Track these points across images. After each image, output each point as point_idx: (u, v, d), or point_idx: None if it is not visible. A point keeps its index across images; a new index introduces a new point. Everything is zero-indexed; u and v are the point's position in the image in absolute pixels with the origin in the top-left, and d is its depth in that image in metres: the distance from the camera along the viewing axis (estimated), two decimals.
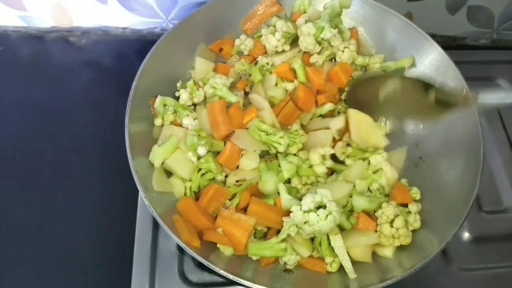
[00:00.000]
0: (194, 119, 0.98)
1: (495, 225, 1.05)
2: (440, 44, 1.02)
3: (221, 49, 1.10)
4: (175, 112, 0.99)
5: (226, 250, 0.88)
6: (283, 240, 0.87)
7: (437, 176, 0.97)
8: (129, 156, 0.85)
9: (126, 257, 0.95)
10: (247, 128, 0.97)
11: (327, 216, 0.82)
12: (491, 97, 0.85)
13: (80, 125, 1.15)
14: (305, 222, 0.83)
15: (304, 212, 0.83)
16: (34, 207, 1.04)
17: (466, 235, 1.03)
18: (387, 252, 0.91)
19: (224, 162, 0.95)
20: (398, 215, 0.91)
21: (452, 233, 0.84)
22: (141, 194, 0.83)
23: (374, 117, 0.97)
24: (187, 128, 0.97)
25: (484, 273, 0.99)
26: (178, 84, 1.03)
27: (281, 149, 0.95)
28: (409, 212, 0.93)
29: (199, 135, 0.94)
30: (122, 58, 1.26)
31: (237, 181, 0.94)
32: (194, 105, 1.03)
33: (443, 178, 0.95)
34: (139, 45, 1.28)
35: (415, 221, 0.92)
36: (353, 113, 0.95)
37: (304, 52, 1.09)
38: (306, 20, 1.04)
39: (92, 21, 1.28)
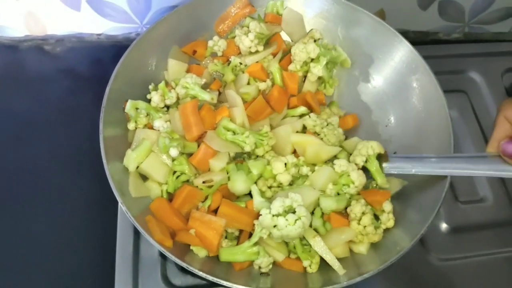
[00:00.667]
0: (166, 121, 0.97)
1: (472, 214, 1.06)
2: (413, 40, 1.04)
3: (194, 51, 1.10)
4: (148, 115, 0.99)
5: (200, 252, 0.88)
6: (256, 244, 0.87)
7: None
8: (104, 162, 0.85)
9: (108, 264, 0.95)
10: None
11: (295, 221, 0.82)
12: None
13: (57, 133, 1.15)
14: (274, 226, 0.83)
15: (273, 215, 0.83)
16: (13, 217, 1.03)
17: (443, 225, 1.05)
18: (361, 248, 0.91)
19: (197, 164, 0.95)
20: (365, 213, 0.91)
21: (425, 227, 0.84)
22: (119, 201, 0.83)
23: None
24: (159, 130, 0.97)
25: (462, 262, 1.01)
26: (150, 87, 1.03)
27: (247, 148, 0.95)
28: (383, 211, 0.93)
29: (171, 137, 0.94)
30: (98, 65, 1.26)
31: (204, 182, 0.94)
32: (167, 107, 1.03)
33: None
34: (115, 50, 1.25)
35: (388, 220, 0.92)
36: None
37: (282, 57, 1.11)
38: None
39: (66, 29, 1.27)
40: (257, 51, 1.08)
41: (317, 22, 1.12)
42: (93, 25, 1.26)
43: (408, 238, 0.85)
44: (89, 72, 1.25)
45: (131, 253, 0.95)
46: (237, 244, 0.91)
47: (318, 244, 0.87)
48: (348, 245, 0.92)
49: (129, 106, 0.96)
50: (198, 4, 1.08)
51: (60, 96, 1.20)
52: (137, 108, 0.97)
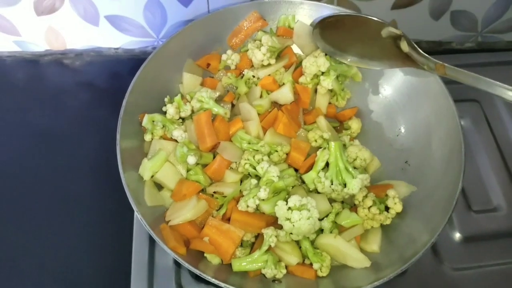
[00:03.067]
0: (184, 131, 1.00)
1: (485, 224, 1.06)
2: (427, 50, 1.04)
3: (208, 65, 1.12)
4: (164, 126, 1.01)
5: (213, 259, 0.90)
6: (267, 251, 0.89)
7: (423, 177, 0.98)
8: (120, 171, 0.88)
9: (124, 272, 0.96)
10: None
11: (309, 218, 0.85)
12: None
13: (76, 145, 1.17)
14: (287, 219, 0.86)
15: (289, 208, 0.87)
16: (33, 228, 1.05)
17: (457, 235, 1.04)
18: (374, 246, 0.93)
19: (212, 174, 0.97)
20: (367, 196, 0.95)
21: (440, 229, 0.86)
22: (134, 209, 0.85)
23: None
24: (176, 140, 0.99)
25: (475, 272, 1.00)
26: (166, 99, 1.05)
27: (258, 157, 0.97)
28: (387, 195, 0.96)
29: (189, 147, 0.96)
30: (115, 78, 1.29)
31: (214, 193, 0.96)
32: (183, 119, 1.05)
33: (429, 179, 0.97)
34: (132, 64, 1.25)
35: (394, 204, 0.95)
36: None
37: (295, 69, 1.12)
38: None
39: (85, 43, 1.30)
40: (269, 64, 1.10)
41: None
42: (111, 39, 1.29)
43: (421, 243, 0.86)
44: (107, 85, 1.28)
45: (146, 261, 0.97)
46: (251, 250, 0.93)
47: (341, 243, 0.90)
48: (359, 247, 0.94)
49: (146, 120, 0.99)
50: (211, 18, 1.10)
51: (79, 109, 1.23)
52: (153, 121, 1.00)
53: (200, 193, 0.96)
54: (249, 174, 0.98)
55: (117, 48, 1.33)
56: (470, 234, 1.04)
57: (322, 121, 1.07)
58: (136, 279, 0.95)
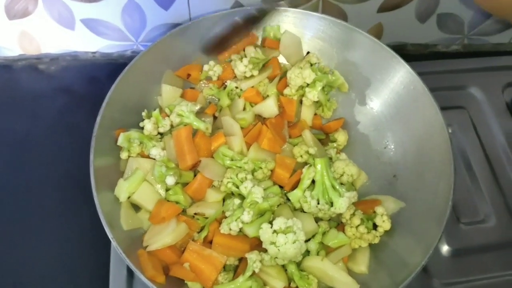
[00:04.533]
0: (162, 149, 0.96)
1: (474, 236, 1.04)
2: (412, 52, 1.02)
3: (189, 75, 1.09)
4: (141, 143, 0.97)
5: (195, 286, 0.86)
6: (251, 276, 0.85)
7: (411, 192, 0.97)
8: (94, 193, 0.84)
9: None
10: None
11: (294, 241, 0.83)
12: None
13: (51, 153, 1.14)
14: (271, 243, 0.83)
15: (274, 231, 0.83)
16: (6, 238, 1.02)
17: (445, 248, 1.02)
18: (362, 267, 0.91)
19: (192, 194, 0.94)
20: (354, 214, 0.93)
21: (431, 249, 0.84)
22: (109, 236, 0.81)
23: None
24: (154, 159, 0.95)
25: (464, 286, 0.98)
26: (143, 114, 1.01)
27: (247, 172, 0.94)
28: (375, 212, 0.95)
29: (167, 166, 0.93)
30: (93, 83, 1.25)
31: (195, 214, 0.93)
32: (161, 134, 1.01)
33: (417, 193, 0.95)
34: (110, 68, 1.27)
35: (382, 222, 0.93)
36: None
37: (279, 80, 1.09)
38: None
39: (61, 47, 1.27)
40: (252, 76, 1.06)
41: (313, 43, 1.11)
42: (87, 43, 1.26)
43: (413, 264, 0.84)
44: (84, 90, 1.24)
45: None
46: (234, 275, 0.90)
47: (328, 266, 0.88)
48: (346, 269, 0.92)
49: (122, 139, 0.94)
50: (192, 27, 1.06)
51: (55, 115, 1.20)
52: (129, 139, 0.96)
53: (180, 214, 0.92)
54: (232, 193, 0.95)
55: (94, 52, 1.29)
56: (458, 247, 1.02)
57: (307, 135, 1.04)
58: None
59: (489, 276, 1.00)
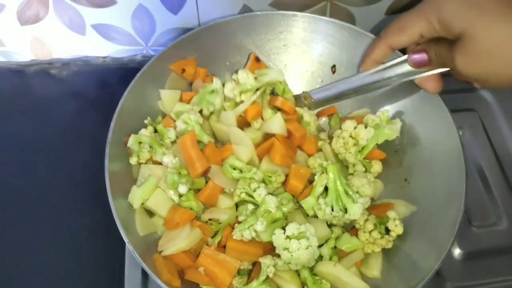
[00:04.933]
0: (174, 157, 0.95)
1: (486, 239, 1.04)
2: None
3: (183, 70, 1.08)
4: (151, 147, 0.97)
5: None
6: (265, 282, 0.86)
7: (423, 196, 0.96)
8: (110, 199, 0.84)
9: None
10: None
11: (307, 247, 0.83)
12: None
13: (63, 157, 1.14)
14: (285, 248, 0.84)
15: (287, 237, 0.84)
16: (15, 243, 1.03)
17: (457, 251, 1.03)
18: (375, 271, 0.91)
19: (205, 200, 0.94)
20: (368, 219, 0.93)
21: (444, 253, 0.84)
22: (125, 241, 0.82)
23: None
24: (167, 166, 0.95)
25: None
26: (146, 121, 1.01)
27: (253, 186, 0.93)
28: (388, 217, 0.94)
29: (180, 173, 0.93)
30: (104, 87, 1.26)
31: (209, 220, 0.93)
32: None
33: (429, 197, 0.95)
34: (121, 73, 1.27)
35: (395, 226, 0.92)
36: None
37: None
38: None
39: (72, 52, 1.28)
40: (241, 101, 1.04)
41: (323, 47, 1.11)
42: (98, 48, 1.27)
43: (426, 267, 0.85)
44: (96, 94, 1.25)
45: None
46: (248, 279, 0.90)
47: (341, 271, 0.88)
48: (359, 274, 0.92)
49: (132, 140, 0.94)
50: (201, 33, 1.07)
51: (67, 119, 1.20)
52: (140, 142, 0.96)
53: (194, 220, 0.93)
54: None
55: (105, 57, 1.30)
56: (470, 250, 1.03)
57: (327, 148, 1.03)
58: None
59: (502, 280, 1.00)
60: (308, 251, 0.83)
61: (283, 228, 0.86)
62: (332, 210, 0.92)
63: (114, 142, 0.91)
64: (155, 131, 1.00)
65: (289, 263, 0.86)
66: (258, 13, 1.09)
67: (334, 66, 1.13)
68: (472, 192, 1.09)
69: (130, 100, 0.96)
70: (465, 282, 0.99)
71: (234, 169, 0.95)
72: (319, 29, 1.09)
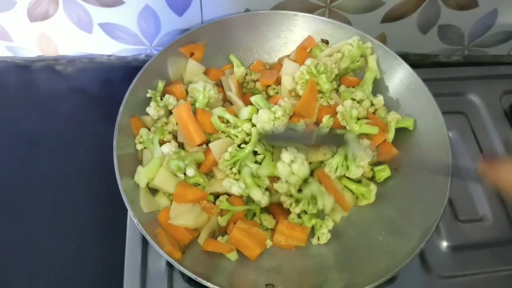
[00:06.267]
0: (173, 145, 0.99)
1: (472, 233, 1.08)
2: (414, 62, 1.07)
3: (192, 54, 1.13)
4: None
5: (232, 256, 0.94)
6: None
7: (411, 186, 1.01)
8: (117, 177, 0.89)
9: (117, 279, 0.96)
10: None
11: (304, 164, 0.94)
12: None
13: (68, 151, 1.17)
14: (290, 173, 0.94)
15: (288, 164, 0.93)
16: (24, 234, 1.05)
17: (444, 244, 1.06)
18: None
19: (209, 171, 1.00)
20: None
21: (426, 239, 0.89)
22: (130, 214, 0.87)
23: None
24: (168, 153, 0.98)
25: (462, 280, 1.02)
26: (148, 94, 1.05)
27: (236, 141, 1.00)
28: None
29: (180, 156, 0.97)
30: (108, 85, 1.29)
31: (211, 194, 0.99)
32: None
33: (417, 187, 1.00)
34: (124, 71, 1.31)
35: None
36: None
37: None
38: None
39: (78, 50, 1.31)
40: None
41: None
42: (103, 46, 1.30)
43: (406, 251, 0.89)
44: (99, 91, 1.28)
45: (139, 266, 0.97)
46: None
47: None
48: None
49: (145, 135, 1.00)
50: (205, 29, 1.13)
51: (71, 115, 1.23)
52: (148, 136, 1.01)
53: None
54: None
55: (109, 55, 1.33)
56: (457, 243, 1.06)
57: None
58: (129, 283, 0.95)
59: (485, 271, 1.04)
60: (306, 166, 0.94)
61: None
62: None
63: (122, 125, 0.96)
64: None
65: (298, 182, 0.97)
66: (261, 12, 1.14)
67: None
68: (460, 189, 1.13)
69: (139, 86, 1.02)
70: (450, 272, 1.03)
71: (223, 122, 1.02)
72: (318, 28, 1.15)
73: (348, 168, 1.01)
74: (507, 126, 1.25)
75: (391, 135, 1.06)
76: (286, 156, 0.93)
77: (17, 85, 1.29)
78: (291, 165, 0.93)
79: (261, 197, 0.96)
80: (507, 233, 1.08)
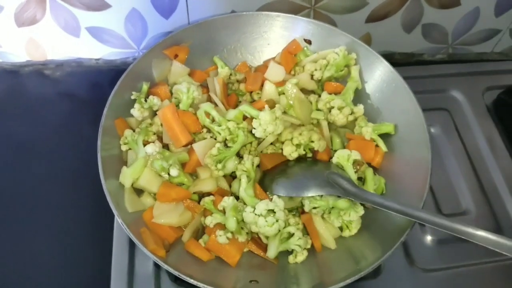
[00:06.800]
0: (156, 145, 0.99)
1: None
2: (399, 61, 1.08)
3: (176, 55, 1.14)
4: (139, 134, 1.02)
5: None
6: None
7: (392, 181, 1.03)
8: (102, 178, 0.90)
9: (104, 279, 0.97)
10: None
11: (273, 224, 0.92)
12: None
13: (56, 155, 1.17)
14: (254, 223, 0.92)
15: (256, 215, 0.92)
16: (12, 237, 1.06)
17: (428, 237, 1.08)
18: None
19: (193, 171, 1.01)
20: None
21: (405, 233, 0.90)
22: (114, 213, 0.88)
23: None
24: (152, 154, 0.98)
25: (445, 272, 1.04)
26: (132, 96, 1.06)
27: (219, 138, 1.01)
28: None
29: (164, 156, 0.98)
30: (96, 88, 1.30)
31: (194, 193, 1.00)
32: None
33: (401, 175, 1.02)
34: (113, 74, 1.24)
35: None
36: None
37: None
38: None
39: (66, 54, 1.31)
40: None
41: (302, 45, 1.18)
42: (91, 50, 1.30)
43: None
44: (88, 95, 1.29)
45: (126, 267, 0.98)
46: None
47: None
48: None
49: (129, 136, 1.01)
50: (190, 30, 1.14)
51: (60, 119, 1.24)
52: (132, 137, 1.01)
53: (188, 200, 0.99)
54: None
55: (98, 59, 1.34)
56: (440, 237, 1.07)
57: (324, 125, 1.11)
58: (116, 284, 0.96)
59: (467, 264, 1.05)
60: (274, 227, 0.92)
61: (253, 207, 0.94)
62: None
63: (106, 128, 0.97)
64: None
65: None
66: (245, 13, 1.16)
67: None
68: (443, 184, 1.15)
69: (123, 88, 1.03)
70: (433, 265, 1.05)
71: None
72: (299, 29, 1.16)
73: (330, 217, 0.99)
74: (490, 121, 1.27)
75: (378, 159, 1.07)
76: (260, 205, 0.93)
77: (6, 90, 1.29)
78: (258, 216, 0.92)
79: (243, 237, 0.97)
80: (490, 226, 1.10)
